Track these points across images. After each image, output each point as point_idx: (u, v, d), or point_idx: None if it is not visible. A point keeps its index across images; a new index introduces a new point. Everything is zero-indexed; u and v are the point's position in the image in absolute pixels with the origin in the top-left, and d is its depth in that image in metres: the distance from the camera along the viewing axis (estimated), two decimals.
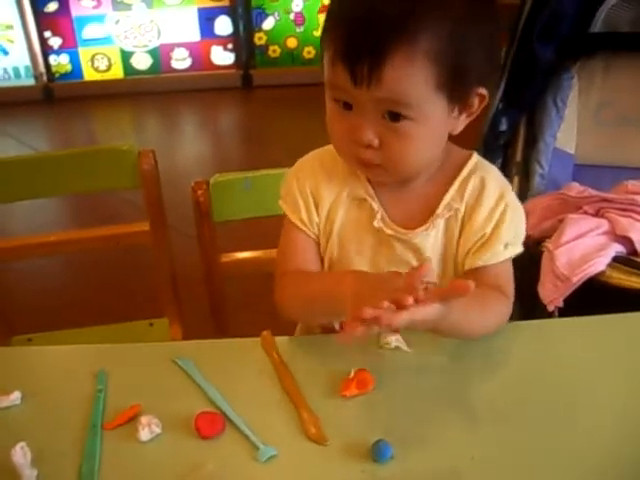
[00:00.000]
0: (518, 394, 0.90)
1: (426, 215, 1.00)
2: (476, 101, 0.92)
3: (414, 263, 1.01)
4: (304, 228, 1.05)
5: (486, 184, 1.00)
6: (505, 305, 0.99)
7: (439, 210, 1.00)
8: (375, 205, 1.01)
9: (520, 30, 1.68)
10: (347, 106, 0.90)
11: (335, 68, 0.87)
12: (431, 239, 1.01)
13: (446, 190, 1.00)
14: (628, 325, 1.05)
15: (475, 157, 1.03)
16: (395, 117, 0.87)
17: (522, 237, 1.01)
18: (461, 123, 0.94)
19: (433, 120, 0.89)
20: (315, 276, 1.05)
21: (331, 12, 0.91)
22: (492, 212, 0.99)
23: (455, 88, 0.87)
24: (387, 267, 1.02)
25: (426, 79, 0.85)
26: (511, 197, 1.01)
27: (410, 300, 0.75)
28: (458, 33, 0.84)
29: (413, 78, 0.84)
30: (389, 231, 1.01)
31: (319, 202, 1.04)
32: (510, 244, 0.99)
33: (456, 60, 0.85)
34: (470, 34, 0.86)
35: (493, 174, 1.02)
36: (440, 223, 1.00)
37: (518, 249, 1.01)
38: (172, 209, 1.52)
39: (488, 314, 0.96)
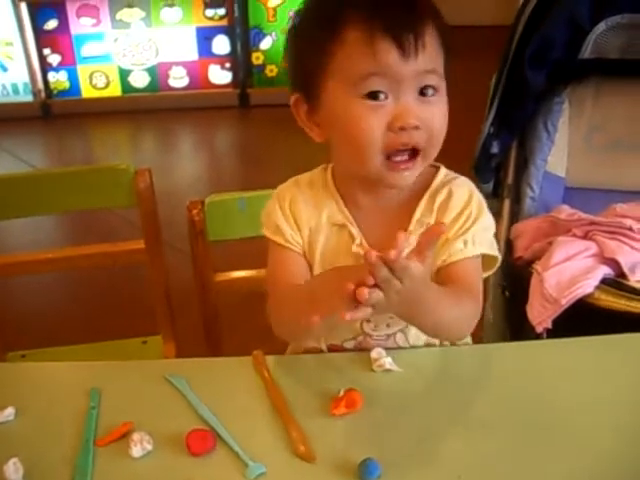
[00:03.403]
0: (506, 414, 0.91)
1: None
2: None
3: None
4: (289, 245, 1.05)
5: (453, 194, 1.02)
6: (474, 304, 0.98)
7: (411, 226, 1.01)
8: (354, 230, 1.03)
9: (512, 54, 1.70)
10: (378, 96, 0.91)
11: (377, 47, 0.88)
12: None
13: (417, 206, 1.02)
14: (616, 346, 1.06)
15: (443, 170, 1.05)
16: (427, 92, 0.93)
17: (485, 240, 1.01)
18: None
19: (444, 96, 0.96)
20: (301, 285, 1.03)
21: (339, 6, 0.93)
22: (457, 218, 1.00)
23: (445, 75, 0.96)
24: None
25: (441, 53, 0.94)
26: (477, 202, 1.02)
27: (371, 280, 0.77)
28: (448, 27, 0.95)
29: (438, 49, 0.94)
30: None
31: (300, 225, 1.05)
32: (469, 242, 0.99)
33: (448, 49, 0.95)
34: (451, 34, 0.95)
35: (460, 183, 1.04)
36: (414, 240, 1.01)
37: (480, 250, 1.00)
38: (168, 227, 1.54)
39: (459, 307, 0.95)
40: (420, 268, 0.80)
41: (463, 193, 1.02)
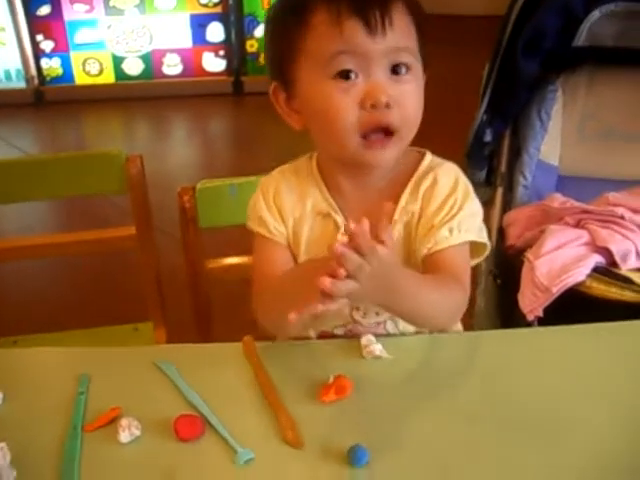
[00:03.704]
0: (496, 402, 0.91)
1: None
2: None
3: None
4: (272, 237, 1.05)
5: (438, 181, 1.01)
6: (461, 293, 0.98)
7: (397, 215, 1.01)
8: (339, 219, 1.03)
9: (505, 43, 1.70)
10: (349, 76, 0.91)
11: (344, 26, 0.89)
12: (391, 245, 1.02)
13: (402, 193, 1.02)
14: (607, 335, 1.06)
15: (428, 156, 1.05)
16: (399, 70, 0.93)
17: (471, 226, 1.01)
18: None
19: (420, 77, 0.97)
20: (280, 277, 1.02)
21: None
22: (442, 205, 1.00)
23: (423, 55, 0.96)
24: None
25: (414, 33, 0.95)
26: (462, 188, 1.02)
27: (342, 272, 0.76)
28: (421, 9, 0.97)
29: (409, 27, 0.94)
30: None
31: (284, 215, 1.05)
32: (455, 230, 0.99)
33: (422, 30, 0.96)
34: (425, 17, 0.97)
35: (446, 169, 1.03)
36: (399, 228, 1.01)
37: (466, 237, 1.00)
38: (160, 214, 1.53)
39: (444, 294, 0.94)
40: (385, 250, 0.79)
41: (449, 179, 1.02)
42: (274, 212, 1.05)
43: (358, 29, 0.89)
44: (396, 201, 1.01)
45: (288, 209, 1.05)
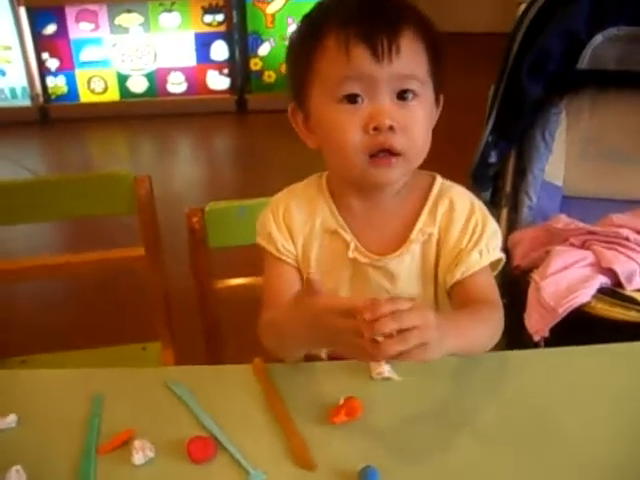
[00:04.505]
0: (504, 422, 0.92)
1: (399, 240, 1.03)
2: (440, 103, 1.01)
3: (388, 288, 1.04)
4: (281, 256, 1.06)
5: (455, 205, 1.03)
6: (497, 314, 1.00)
7: (413, 236, 1.03)
8: (347, 236, 1.04)
9: (510, 65, 1.72)
10: (356, 100, 0.93)
11: (351, 52, 0.91)
12: (405, 264, 1.03)
13: (417, 215, 1.04)
14: (613, 355, 1.06)
15: (439, 179, 1.07)
16: (406, 96, 0.94)
17: (496, 245, 1.04)
18: (435, 120, 1.01)
19: (429, 103, 0.98)
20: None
21: (320, 12, 0.97)
22: (465, 229, 1.02)
23: (436, 80, 0.97)
24: (367, 296, 1.03)
25: (425, 59, 0.96)
26: (480, 210, 1.05)
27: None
28: (437, 35, 0.96)
29: (419, 53, 0.95)
30: (364, 259, 1.03)
31: (294, 234, 1.07)
32: (484, 251, 1.02)
33: (437, 56, 0.97)
34: (442, 42, 0.97)
35: (459, 193, 1.06)
36: (416, 248, 1.03)
37: (494, 256, 1.03)
38: (166, 233, 1.54)
39: (485, 327, 0.97)
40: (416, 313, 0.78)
41: (464, 202, 1.04)
42: (283, 231, 1.07)
43: (364, 55, 0.91)
44: (407, 221, 1.04)
45: (298, 227, 1.06)
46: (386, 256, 1.03)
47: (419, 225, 1.03)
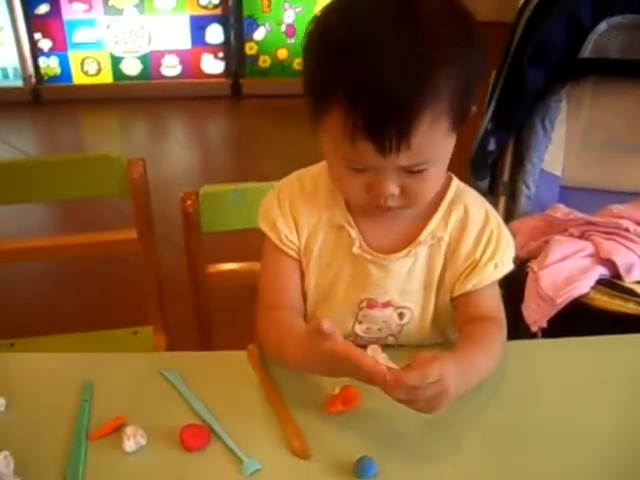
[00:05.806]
0: (502, 414, 0.91)
1: (406, 240, 1.01)
2: (470, 114, 0.93)
3: (388, 288, 1.02)
4: (285, 248, 1.04)
5: (469, 212, 1.01)
6: (501, 334, 0.99)
7: (422, 237, 1.00)
8: (353, 232, 1.01)
9: (511, 53, 1.70)
10: (361, 169, 0.89)
11: (356, 143, 0.84)
12: (408, 265, 1.01)
13: (429, 217, 1.01)
14: (611, 347, 1.06)
15: (455, 182, 1.03)
16: (417, 169, 0.88)
17: (511, 256, 1.02)
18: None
19: (447, 157, 0.92)
20: (296, 337, 0.93)
21: (330, 68, 0.85)
22: (479, 238, 1.00)
23: (463, 120, 0.89)
24: (364, 294, 1.03)
25: (446, 130, 0.86)
26: (495, 219, 1.02)
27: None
28: (469, 77, 0.86)
29: (437, 136, 0.86)
30: (368, 257, 1.01)
31: (299, 225, 1.03)
32: (499, 264, 1.00)
33: (467, 100, 0.88)
34: (474, 71, 0.87)
35: (474, 199, 1.03)
36: (422, 250, 1.01)
37: (507, 268, 1.01)
38: (159, 217, 1.52)
39: (494, 357, 0.95)
40: (435, 370, 0.81)
41: (480, 210, 1.02)
42: (289, 221, 1.03)
43: (370, 149, 0.84)
44: (418, 222, 1.01)
45: (304, 220, 1.03)
46: (390, 255, 1.00)
47: (430, 227, 1.00)
